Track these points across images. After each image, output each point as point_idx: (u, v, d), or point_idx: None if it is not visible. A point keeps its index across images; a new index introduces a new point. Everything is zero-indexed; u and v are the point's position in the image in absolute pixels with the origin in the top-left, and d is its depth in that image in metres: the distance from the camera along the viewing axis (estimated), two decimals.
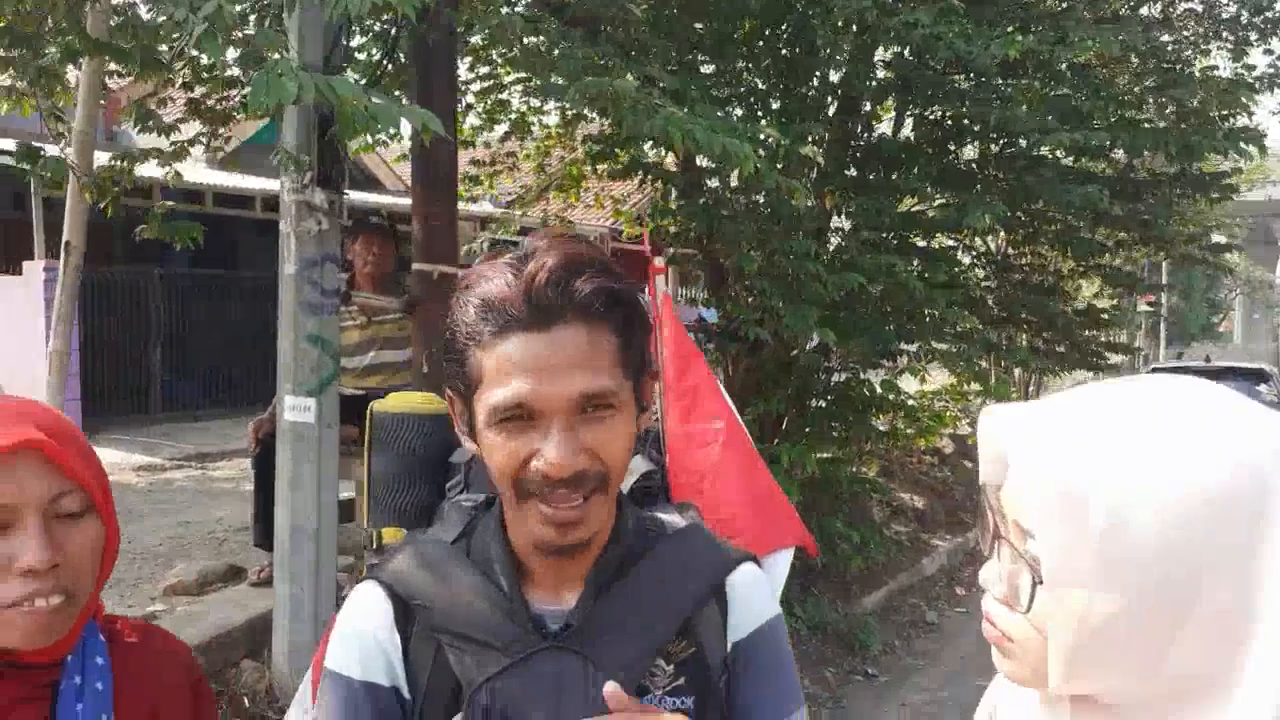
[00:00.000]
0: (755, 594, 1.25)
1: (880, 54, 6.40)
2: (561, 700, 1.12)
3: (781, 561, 2.43)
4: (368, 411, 1.85)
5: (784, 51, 6.01)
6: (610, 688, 1.07)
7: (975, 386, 9.10)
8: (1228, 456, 0.80)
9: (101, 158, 5.17)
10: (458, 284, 1.16)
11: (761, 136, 3.96)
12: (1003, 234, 7.54)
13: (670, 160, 6.62)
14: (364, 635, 1.19)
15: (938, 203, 6.44)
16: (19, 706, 1.23)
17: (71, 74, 4.71)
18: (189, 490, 8.07)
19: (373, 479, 1.91)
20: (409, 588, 1.19)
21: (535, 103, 7.89)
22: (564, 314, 1.06)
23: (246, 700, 4.00)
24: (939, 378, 9.47)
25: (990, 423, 0.94)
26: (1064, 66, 5.49)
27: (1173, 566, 0.80)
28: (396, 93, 4.59)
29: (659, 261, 2.53)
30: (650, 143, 5.37)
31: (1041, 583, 0.85)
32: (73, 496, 1.21)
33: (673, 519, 1.30)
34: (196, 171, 11.31)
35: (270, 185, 11.50)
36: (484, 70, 7.69)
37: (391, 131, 6.83)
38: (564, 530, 1.09)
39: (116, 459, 9.03)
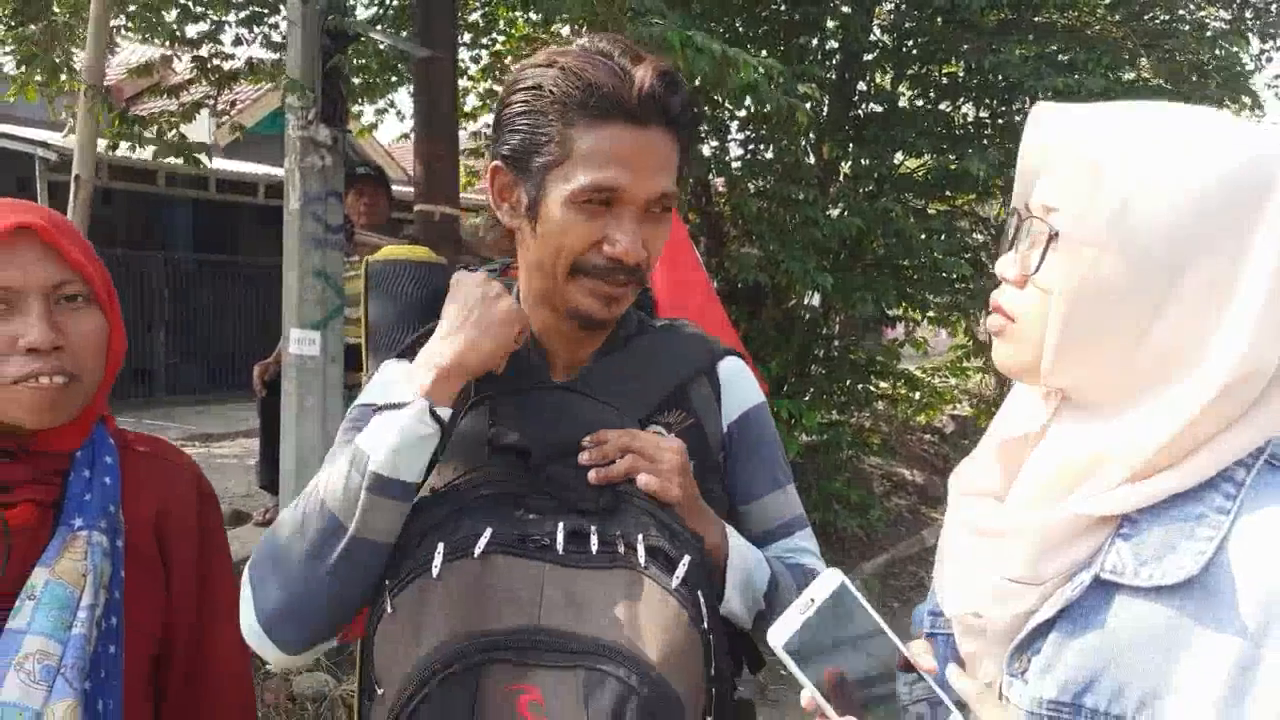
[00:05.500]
0: (743, 380, 1.35)
1: (878, 19, 6.47)
2: (561, 421, 1.18)
3: None
4: (363, 267, 1.89)
5: (782, 7, 6.07)
6: (591, 437, 1.15)
7: (976, 363, 9.14)
8: (1239, 148, 0.87)
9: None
10: (515, 73, 1.20)
11: (759, 69, 3.99)
12: (999, 201, 7.61)
13: None
14: (388, 381, 1.24)
15: (934, 161, 6.49)
16: (30, 487, 1.27)
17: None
18: None
19: (370, 328, 1.94)
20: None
21: None
22: (660, 119, 1.15)
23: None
24: (937, 361, 9.49)
25: (1038, 112, 1.01)
26: (1056, 24, 5.54)
27: (1176, 234, 0.86)
28: (403, 34, 4.67)
29: None
30: None
31: (1057, 237, 0.91)
32: (74, 284, 1.25)
33: (664, 321, 1.39)
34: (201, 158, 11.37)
35: (273, 171, 11.59)
36: (484, 44, 7.75)
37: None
38: (608, 304, 1.19)
39: None
